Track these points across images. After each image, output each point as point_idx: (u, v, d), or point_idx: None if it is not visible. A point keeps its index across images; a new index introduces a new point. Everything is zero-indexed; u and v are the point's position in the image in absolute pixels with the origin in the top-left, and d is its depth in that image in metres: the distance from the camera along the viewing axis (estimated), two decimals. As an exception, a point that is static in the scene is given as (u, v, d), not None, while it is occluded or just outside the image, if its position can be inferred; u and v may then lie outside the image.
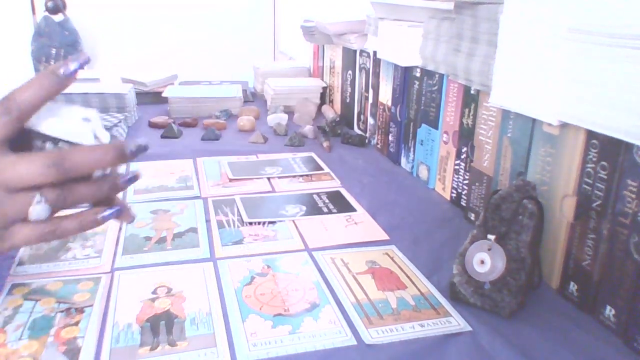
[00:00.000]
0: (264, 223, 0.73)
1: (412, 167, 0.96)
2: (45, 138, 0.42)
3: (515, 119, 0.65)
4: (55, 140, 0.42)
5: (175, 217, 0.75)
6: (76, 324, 0.50)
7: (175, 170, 0.93)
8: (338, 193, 0.85)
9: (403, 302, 0.56)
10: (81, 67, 0.42)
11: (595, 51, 0.50)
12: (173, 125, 1.17)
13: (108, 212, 0.45)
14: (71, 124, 0.42)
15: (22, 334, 0.49)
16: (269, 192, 0.85)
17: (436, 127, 0.86)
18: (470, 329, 0.52)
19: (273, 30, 3.00)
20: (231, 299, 0.55)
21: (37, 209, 0.41)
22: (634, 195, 0.49)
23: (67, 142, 0.42)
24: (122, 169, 0.46)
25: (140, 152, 0.43)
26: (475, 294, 0.54)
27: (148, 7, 2.88)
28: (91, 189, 0.43)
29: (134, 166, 0.93)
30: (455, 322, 0.53)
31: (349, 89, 1.27)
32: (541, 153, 0.61)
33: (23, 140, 0.42)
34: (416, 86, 0.91)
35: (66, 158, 0.40)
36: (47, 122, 0.42)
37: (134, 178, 0.46)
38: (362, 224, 0.75)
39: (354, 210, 0.79)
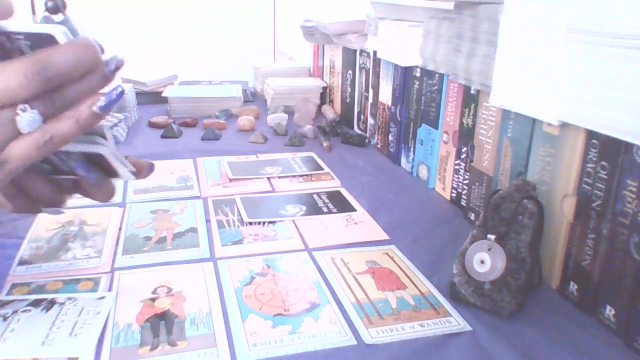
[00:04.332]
0: (264, 223, 0.73)
1: (412, 167, 0.96)
2: (15, 35, 0.38)
3: (515, 119, 0.65)
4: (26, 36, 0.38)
5: (175, 217, 0.75)
6: (76, 323, 0.51)
7: (175, 170, 0.93)
8: (338, 193, 0.85)
9: (403, 302, 0.56)
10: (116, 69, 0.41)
11: (595, 51, 0.50)
12: (173, 125, 1.17)
13: (104, 99, 0.39)
14: (39, 25, 0.40)
15: (22, 333, 0.49)
16: (269, 192, 0.85)
17: (436, 127, 0.86)
18: (470, 329, 0.52)
19: (273, 30, 3.00)
20: (231, 299, 0.55)
21: (25, 116, 0.36)
22: (634, 195, 0.49)
23: (36, 34, 0.38)
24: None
25: (116, 62, 0.40)
26: (475, 293, 0.54)
27: (148, 7, 2.89)
28: (79, 86, 0.39)
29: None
30: (455, 322, 0.53)
31: (349, 89, 1.27)
32: (541, 153, 0.61)
33: None
34: (416, 86, 0.91)
35: (46, 63, 0.36)
36: (13, 21, 0.38)
37: (119, 63, 0.41)
38: (362, 223, 0.75)
39: (354, 210, 0.79)
